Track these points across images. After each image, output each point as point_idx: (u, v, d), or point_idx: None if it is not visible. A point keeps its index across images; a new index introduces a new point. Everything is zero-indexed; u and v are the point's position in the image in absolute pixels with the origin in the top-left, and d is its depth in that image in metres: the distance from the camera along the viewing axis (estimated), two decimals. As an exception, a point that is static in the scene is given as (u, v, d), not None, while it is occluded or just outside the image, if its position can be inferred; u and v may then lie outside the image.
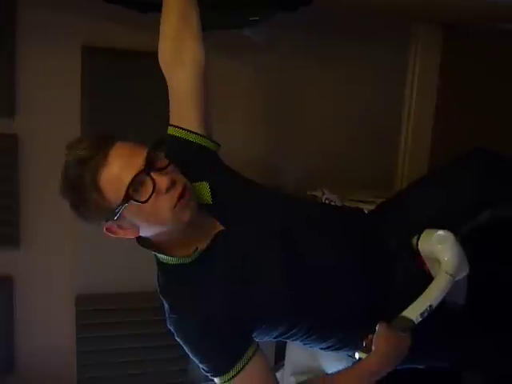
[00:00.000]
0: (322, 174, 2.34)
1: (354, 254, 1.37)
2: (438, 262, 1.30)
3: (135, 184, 1.09)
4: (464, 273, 1.32)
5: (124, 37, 2.04)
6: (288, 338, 1.37)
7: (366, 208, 1.72)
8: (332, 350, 1.46)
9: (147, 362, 2.25)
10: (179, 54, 1.36)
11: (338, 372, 1.29)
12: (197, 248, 1.24)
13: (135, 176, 1.09)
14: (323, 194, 2.16)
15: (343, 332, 1.38)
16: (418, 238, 1.33)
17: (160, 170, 1.12)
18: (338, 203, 2.13)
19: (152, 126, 1.67)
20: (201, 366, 1.26)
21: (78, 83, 2.04)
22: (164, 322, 1.32)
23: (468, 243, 1.54)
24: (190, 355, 1.26)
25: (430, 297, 1.26)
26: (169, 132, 1.37)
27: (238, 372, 1.21)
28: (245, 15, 1.75)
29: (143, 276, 2.03)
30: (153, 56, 1.42)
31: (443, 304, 1.45)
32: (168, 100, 1.39)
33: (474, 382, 1.83)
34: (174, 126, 1.36)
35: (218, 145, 1.41)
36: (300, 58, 2.29)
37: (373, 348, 1.23)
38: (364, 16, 2.26)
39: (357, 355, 1.27)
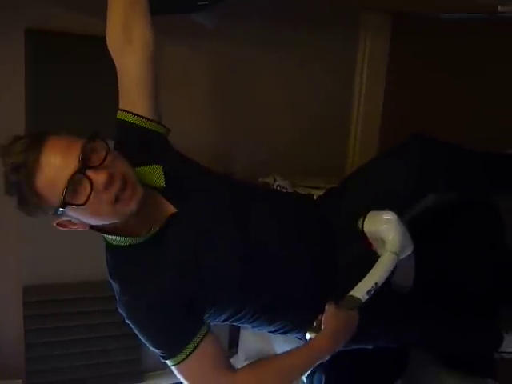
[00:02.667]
0: (273, 161, 2.35)
1: (301, 237, 1.40)
2: (383, 241, 1.34)
3: (71, 186, 1.07)
4: (408, 251, 1.37)
5: (70, 20, 1.98)
6: (237, 320, 1.38)
7: (317, 194, 1.75)
8: (281, 333, 1.49)
9: (98, 353, 2.22)
10: (128, 38, 1.34)
11: (289, 351, 1.31)
12: (150, 229, 1.23)
13: (70, 177, 1.07)
14: (275, 180, 2.18)
15: (291, 315, 1.41)
16: (364, 220, 1.37)
17: (96, 167, 1.10)
18: (289, 189, 2.15)
19: (100, 113, 1.65)
20: (152, 348, 1.26)
21: (21, 69, 1.97)
22: (114, 312, 1.31)
23: (416, 226, 1.58)
24: (142, 338, 1.26)
25: (376, 275, 1.30)
26: (118, 116, 1.35)
27: (190, 353, 1.22)
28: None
29: (91, 265, 2.00)
30: (100, 40, 1.39)
31: (392, 286, 1.49)
32: (117, 85, 1.37)
33: (421, 359, 1.89)
34: (124, 110, 1.35)
35: (168, 129, 1.40)
36: (249, 45, 2.28)
37: (322, 327, 1.25)
38: (314, 3, 2.27)
39: (307, 335, 1.30)
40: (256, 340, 2.15)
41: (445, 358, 1.88)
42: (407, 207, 1.51)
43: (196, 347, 1.22)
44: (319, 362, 1.31)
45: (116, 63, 1.36)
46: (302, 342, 1.46)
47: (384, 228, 1.34)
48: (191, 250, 1.27)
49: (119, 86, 1.36)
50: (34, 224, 1.96)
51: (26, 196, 1.10)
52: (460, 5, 1.97)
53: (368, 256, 1.37)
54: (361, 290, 1.29)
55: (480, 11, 1.91)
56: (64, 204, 1.09)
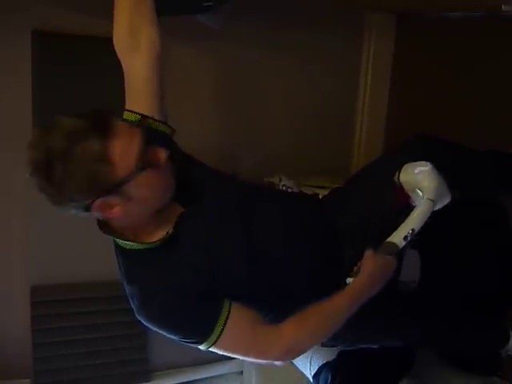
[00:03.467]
0: (278, 161, 2.36)
1: (306, 238, 1.41)
2: (419, 190, 1.34)
3: (146, 155, 1.12)
4: (446, 200, 1.37)
5: (76, 22, 2.00)
6: None
7: (323, 194, 1.75)
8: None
9: (105, 353, 2.23)
10: (135, 38, 1.35)
11: (330, 297, 1.32)
12: (167, 232, 1.25)
13: (143, 148, 1.12)
14: (280, 180, 2.18)
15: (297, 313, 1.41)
16: (399, 173, 1.38)
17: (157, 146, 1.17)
18: (295, 189, 2.16)
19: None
20: (184, 340, 1.27)
21: (28, 69, 1.99)
22: (121, 312, 1.31)
23: (422, 226, 1.58)
24: (169, 335, 1.26)
25: (413, 222, 1.31)
26: (125, 117, 1.36)
27: (222, 331, 1.23)
28: (198, 0, 1.74)
29: (98, 265, 2.02)
30: (106, 42, 1.40)
31: (398, 284, 1.50)
32: (122, 86, 1.38)
33: (427, 358, 1.89)
34: (130, 110, 1.35)
35: (174, 130, 1.41)
36: (254, 46, 2.29)
37: (361, 271, 1.29)
38: (318, 4, 2.28)
39: (348, 280, 1.32)
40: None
41: (450, 356, 1.88)
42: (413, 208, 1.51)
43: (225, 323, 1.23)
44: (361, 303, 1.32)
45: (123, 64, 1.37)
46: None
47: (420, 176, 1.34)
48: (203, 250, 1.28)
49: (126, 86, 1.37)
50: (41, 224, 1.99)
51: (83, 164, 1.07)
52: (464, 4, 1.98)
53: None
54: (398, 236, 1.30)
55: (484, 10, 1.91)
56: (144, 166, 1.12)
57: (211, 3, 1.76)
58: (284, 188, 2.17)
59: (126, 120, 1.35)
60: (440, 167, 1.42)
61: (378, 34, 2.51)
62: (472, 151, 1.57)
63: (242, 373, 2.54)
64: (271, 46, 2.32)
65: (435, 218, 1.84)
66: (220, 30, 2.08)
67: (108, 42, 1.40)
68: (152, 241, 1.25)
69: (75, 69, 2.01)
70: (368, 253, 1.32)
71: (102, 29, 1.45)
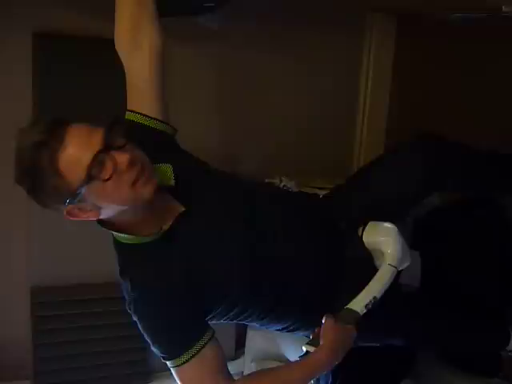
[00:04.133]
0: (279, 162, 2.35)
1: (308, 237, 1.40)
2: (381, 253, 1.34)
3: (96, 163, 1.09)
4: (406, 264, 1.37)
5: (77, 23, 1.99)
6: (245, 318, 1.39)
7: (324, 194, 1.75)
8: (288, 331, 1.49)
9: (105, 354, 2.22)
10: (137, 39, 1.36)
11: (287, 365, 1.32)
12: (161, 228, 1.24)
13: (95, 155, 1.08)
14: (281, 181, 2.18)
15: (298, 313, 1.42)
16: (363, 230, 1.37)
17: (119, 149, 1.12)
18: (296, 190, 2.15)
19: (108, 114, 1.65)
20: (154, 347, 1.26)
21: (29, 72, 1.99)
22: (121, 313, 1.31)
23: (423, 227, 1.59)
24: (146, 335, 1.26)
25: (374, 289, 1.30)
26: (127, 117, 1.37)
27: (192, 357, 1.23)
28: (199, 1, 1.74)
29: (99, 267, 2.02)
30: (107, 43, 1.41)
31: (399, 286, 1.50)
32: (124, 87, 1.38)
33: (428, 359, 1.89)
34: (132, 111, 1.36)
35: (175, 129, 1.42)
36: (254, 47, 2.29)
37: (320, 342, 1.26)
38: (319, 5, 2.27)
39: (304, 348, 1.29)
40: (263, 341, 2.16)
41: (451, 357, 1.88)
42: (412, 205, 1.52)
43: (198, 352, 1.22)
44: (316, 376, 1.31)
45: (124, 65, 1.38)
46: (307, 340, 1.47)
47: (383, 240, 1.34)
48: (200, 249, 1.28)
49: (127, 86, 1.37)
50: (42, 225, 1.98)
51: (45, 177, 1.09)
52: (464, 5, 1.98)
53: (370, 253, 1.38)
54: (359, 304, 1.29)
55: (484, 11, 1.91)
56: (89, 179, 1.09)
57: (212, 4, 1.76)
58: (285, 189, 2.17)
59: (128, 120, 1.35)
60: (443, 166, 1.42)
61: (379, 35, 2.51)
62: (472, 151, 1.58)
63: (242, 373, 2.54)
64: (271, 47, 2.31)
65: (435, 219, 1.84)
66: (220, 31, 2.08)
67: (109, 42, 1.40)
68: (146, 235, 1.25)
69: (76, 70, 2.00)
70: (328, 321, 1.27)
71: (103, 30, 1.45)
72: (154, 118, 1.35)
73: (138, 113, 1.35)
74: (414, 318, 1.56)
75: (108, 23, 1.41)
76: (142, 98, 1.36)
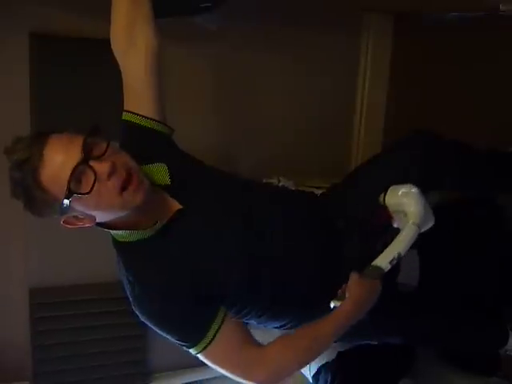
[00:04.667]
0: (276, 161, 2.35)
1: (306, 235, 1.41)
2: (404, 214, 1.35)
3: (75, 176, 1.09)
4: (430, 224, 1.38)
5: (74, 24, 1.99)
6: (243, 316, 1.39)
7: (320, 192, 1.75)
8: (286, 329, 1.50)
9: (104, 354, 2.22)
10: (132, 38, 1.36)
11: (316, 322, 1.32)
12: (157, 221, 1.25)
13: (74, 168, 1.08)
14: (279, 181, 2.18)
15: (296, 310, 1.42)
16: (385, 195, 1.38)
17: (98, 158, 1.11)
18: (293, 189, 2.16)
19: (105, 114, 1.66)
20: (173, 339, 1.27)
21: (26, 72, 1.99)
22: (121, 313, 1.31)
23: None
24: (161, 332, 1.27)
25: (398, 245, 1.32)
26: (124, 118, 1.37)
27: (212, 338, 1.24)
28: (196, 1, 1.74)
29: (97, 267, 2.02)
30: (104, 43, 1.41)
31: (398, 285, 1.50)
32: (120, 87, 1.38)
33: (427, 358, 1.89)
34: (129, 111, 1.36)
35: (172, 129, 1.42)
36: (251, 46, 2.28)
37: (346, 295, 1.29)
38: (316, 5, 2.28)
39: (332, 304, 1.32)
40: (261, 338, 2.15)
41: (450, 356, 1.88)
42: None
43: (217, 331, 1.24)
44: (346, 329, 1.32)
45: (120, 65, 1.38)
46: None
47: (405, 200, 1.35)
48: (198, 248, 1.28)
49: (124, 87, 1.37)
50: (40, 226, 1.98)
51: (32, 192, 1.11)
52: (462, 5, 1.98)
53: (368, 250, 1.38)
54: (383, 260, 1.30)
55: (482, 10, 1.92)
56: (69, 194, 1.09)
57: (209, 4, 1.76)
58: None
59: (124, 120, 1.35)
60: (441, 164, 1.43)
61: (376, 35, 2.51)
62: (470, 149, 1.58)
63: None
64: (269, 47, 2.31)
65: (434, 218, 1.84)
66: (217, 31, 2.08)
67: (106, 43, 1.40)
68: (142, 228, 1.25)
69: (73, 71, 2.01)
70: (353, 277, 1.31)
71: (100, 30, 1.45)
72: (151, 119, 1.35)
73: (135, 113, 1.35)
74: (413, 316, 1.57)
75: (105, 23, 1.41)
76: (138, 99, 1.36)
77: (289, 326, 1.47)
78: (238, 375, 1.32)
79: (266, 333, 2.08)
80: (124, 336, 2.19)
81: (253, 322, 1.44)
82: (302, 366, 1.43)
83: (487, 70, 2.14)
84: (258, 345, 1.32)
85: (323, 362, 1.85)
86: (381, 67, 2.56)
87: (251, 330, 1.94)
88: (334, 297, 1.31)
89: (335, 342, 1.36)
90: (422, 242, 1.42)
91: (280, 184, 2.18)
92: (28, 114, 2.00)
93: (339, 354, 1.80)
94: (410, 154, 1.46)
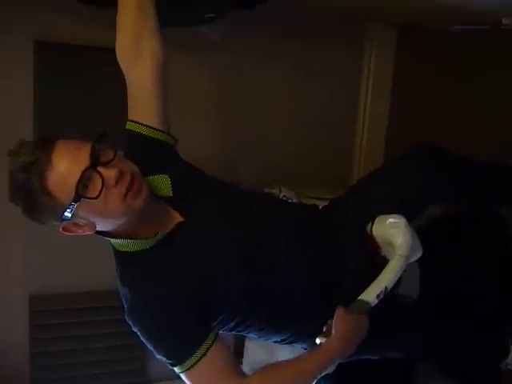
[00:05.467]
0: (278, 171, 2.36)
1: (307, 249, 1.40)
2: (392, 245, 1.34)
3: (83, 181, 1.09)
4: (418, 255, 1.37)
5: (78, 32, 2.00)
6: (243, 330, 1.39)
7: (323, 204, 1.75)
8: (287, 343, 1.49)
9: (103, 363, 2.22)
10: (138, 48, 1.36)
11: (300, 356, 1.32)
12: (158, 232, 1.24)
13: (82, 173, 1.08)
14: (280, 191, 2.18)
15: (296, 324, 1.41)
16: (372, 224, 1.38)
17: (106, 164, 1.12)
18: (295, 200, 2.15)
19: (108, 123, 1.66)
20: (160, 355, 1.26)
21: (30, 78, 1.99)
22: (119, 322, 1.31)
23: (422, 238, 1.58)
24: (149, 344, 1.26)
25: (386, 279, 1.31)
26: (127, 127, 1.37)
27: (199, 359, 1.22)
28: (200, 12, 1.75)
29: (97, 275, 2.02)
30: (108, 52, 1.41)
31: (398, 297, 1.50)
32: (124, 95, 1.38)
33: (426, 372, 1.88)
34: (133, 121, 1.36)
35: (176, 140, 1.42)
36: (254, 57, 2.29)
37: (332, 332, 1.27)
38: (319, 16, 2.28)
39: (317, 340, 1.31)
40: (261, 351, 2.14)
41: (450, 369, 1.87)
42: (413, 217, 1.51)
43: (204, 354, 1.22)
44: (327, 371, 1.31)
45: (125, 74, 1.38)
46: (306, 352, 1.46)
47: (393, 231, 1.35)
48: (199, 258, 1.28)
49: (128, 96, 1.37)
50: (40, 233, 1.98)
51: (36, 196, 1.10)
52: (465, 18, 1.99)
53: (370, 262, 1.38)
54: (370, 294, 1.30)
55: (484, 24, 1.92)
56: (78, 197, 1.09)
57: (213, 15, 1.77)
58: (284, 199, 2.16)
59: (128, 130, 1.36)
60: (441, 177, 1.42)
61: (379, 46, 2.52)
62: (472, 162, 1.58)
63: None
64: (271, 57, 2.32)
65: (436, 231, 1.84)
66: (221, 41, 2.09)
67: (110, 52, 1.41)
68: (143, 238, 1.25)
69: (77, 79, 2.02)
70: (339, 312, 1.29)
71: (104, 39, 1.45)
72: (155, 129, 1.35)
73: (139, 123, 1.35)
74: (414, 329, 1.56)
75: (109, 33, 1.41)
76: (142, 109, 1.36)
77: (289, 340, 1.46)
78: None
79: (266, 350, 2.08)
80: (123, 345, 2.19)
81: (254, 335, 1.44)
82: None
83: (489, 83, 2.15)
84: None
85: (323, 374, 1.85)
86: (383, 78, 2.58)
87: (253, 345, 1.95)
88: (319, 333, 1.30)
89: None
90: (423, 255, 1.42)
91: (282, 194, 2.17)
92: (31, 120, 2.00)
93: (339, 365, 1.80)
94: (411, 167, 1.46)
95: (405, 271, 1.46)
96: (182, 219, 1.29)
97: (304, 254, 1.39)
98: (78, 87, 2.03)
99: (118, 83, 1.40)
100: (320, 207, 1.62)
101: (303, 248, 1.39)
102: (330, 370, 1.34)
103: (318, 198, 2.16)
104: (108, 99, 1.91)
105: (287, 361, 1.32)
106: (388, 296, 1.32)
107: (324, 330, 1.31)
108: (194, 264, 1.27)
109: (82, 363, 2.19)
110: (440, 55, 2.35)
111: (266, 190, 2.25)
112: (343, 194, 1.64)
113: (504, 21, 1.70)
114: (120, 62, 1.39)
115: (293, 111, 2.43)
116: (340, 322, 1.28)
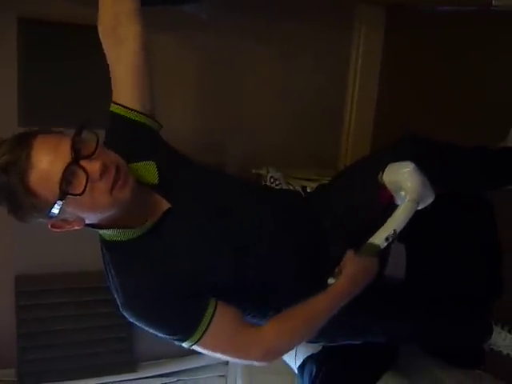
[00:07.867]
0: (265, 152, 2.35)
1: (293, 233, 1.40)
2: (402, 190, 1.34)
3: (67, 177, 1.05)
4: (430, 199, 1.37)
5: (63, 9, 1.97)
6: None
7: (310, 186, 1.75)
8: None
9: (90, 343, 2.23)
10: (119, 28, 1.33)
11: (312, 299, 1.32)
12: (146, 221, 1.23)
13: (65, 169, 1.05)
14: (268, 172, 2.18)
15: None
16: (383, 172, 1.38)
17: (89, 157, 1.08)
18: (282, 181, 2.15)
19: (92, 102, 1.64)
20: (166, 336, 1.26)
21: (14, 57, 1.96)
22: (106, 302, 1.30)
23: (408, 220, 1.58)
24: (152, 330, 1.25)
25: (395, 222, 1.31)
26: (112, 110, 1.34)
27: (205, 331, 1.23)
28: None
29: (83, 256, 2.00)
30: (93, 30, 1.38)
31: (384, 277, 1.50)
32: (109, 74, 1.36)
33: (411, 351, 1.91)
34: (117, 103, 1.33)
35: (161, 125, 1.39)
36: (242, 36, 2.27)
37: (342, 272, 1.29)
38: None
39: (329, 281, 1.32)
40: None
41: (434, 350, 1.89)
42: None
43: (210, 322, 1.23)
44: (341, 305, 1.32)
45: (107, 54, 1.35)
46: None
47: (402, 176, 1.35)
48: (187, 245, 1.27)
49: (112, 79, 1.34)
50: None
51: (19, 197, 1.06)
52: (455, -1, 1.98)
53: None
54: (380, 237, 1.31)
55: (474, 5, 1.91)
56: (63, 194, 1.06)
57: (197, -6, 1.74)
58: (271, 180, 2.16)
59: (112, 112, 1.33)
60: (427, 165, 1.42)
61: (368, 27, 2.51)
62: (459, 148, 1.57)
63: (227, 363, 2.55)
64: (259, 38, 2.30)
65: (422, 213, 1.84)
66: (207, 21, 2.07)
67: (96, 29, 1.38)
68: (131, 227, 1.23)
69: (62, 56, 1.98)
70: (349, 254, 1.31)
71: (90, 16, 1.42)
72: (139, 112, 1.32)
73: (123, 106, 1.32)
74: (399, 310, 1.57)
75: (94, 10, 1.38)
76: (125, 89, 1.33)
77: None
78: (235, 358, 1.33)
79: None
80: (110, 325, 2.19)
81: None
82: (298, 344, 1.42)
83: (479, 63, 2.14)
84: (252, 325, 1.31)
85: (309, 354, 1.86)
86: (372, 59, 2.56)
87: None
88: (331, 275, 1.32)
89: (318, 342, 1.34)
90: (409, 235, 1.42)
91: (269, 175, 2.17)
92: (15, 102, 1.98)
93: (324, 346, 1.81)
94: (397, 154, 1.46)
95: (391, 253, 1.47)
96: (169, 206, 1.28)
97: (288, 243, 1.39)
98: (63, 64, 2.00)
99: (104, 61, 1.38)
100: (308, 190, 1.62)
101: (288, 238, 1.39)
102: None
103: (305, 179, 2.16)
104: (94, 77, 1.88)
105: (300, 305, 1.32)
106: (373, 278, 1.33)
107: (335, 271, 1.33)
108: (182, 250, 1.26)
109: (69, 343, 2.20)
110: (429, 35, 2.34)
111: (253, 171, 2.24)
112: (329, 181, 1.64)
113: (494, 2, 1.69)
114: (102, 43, 1.36)
115: (279, 91, 2.42)
116: (349, 263, 1.30)
